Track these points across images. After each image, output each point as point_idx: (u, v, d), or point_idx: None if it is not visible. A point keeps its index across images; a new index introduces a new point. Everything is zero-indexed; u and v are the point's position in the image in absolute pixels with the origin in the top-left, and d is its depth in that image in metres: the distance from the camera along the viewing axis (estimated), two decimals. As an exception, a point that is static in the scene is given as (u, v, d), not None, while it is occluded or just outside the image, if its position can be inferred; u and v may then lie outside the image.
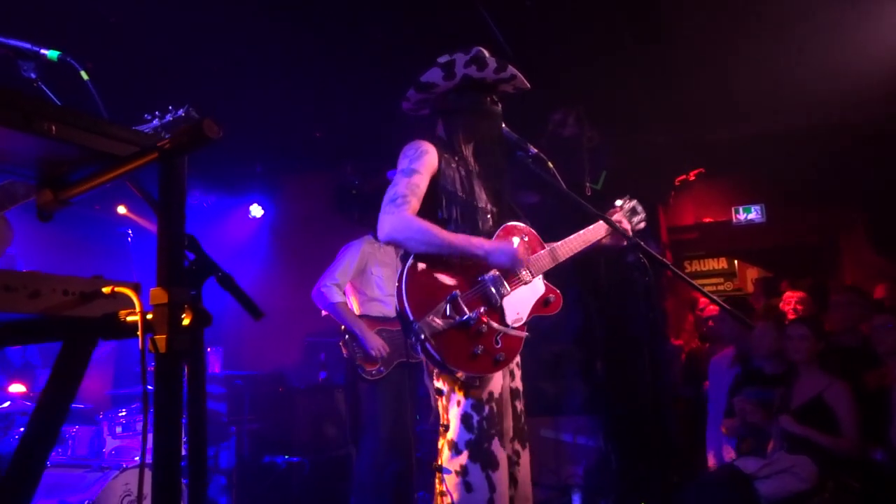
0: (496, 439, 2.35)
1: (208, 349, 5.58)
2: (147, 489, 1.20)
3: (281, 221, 6.91)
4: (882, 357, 3.82)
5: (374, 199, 4.53)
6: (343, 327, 4.13)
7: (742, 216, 6.89)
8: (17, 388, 4.01)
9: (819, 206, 6.65)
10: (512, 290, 2.45)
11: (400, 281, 2.30)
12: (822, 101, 5.22)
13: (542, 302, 2.55)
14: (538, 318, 2.53)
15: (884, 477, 3.55)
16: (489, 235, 2.51)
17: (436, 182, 2.46)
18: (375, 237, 4.30)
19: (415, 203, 2.37)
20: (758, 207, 6.85)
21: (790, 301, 5.34)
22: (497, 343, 2.36)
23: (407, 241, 2.33)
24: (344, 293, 4.24)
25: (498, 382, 2.43)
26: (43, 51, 1.63)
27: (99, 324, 1.32)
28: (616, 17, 4.47)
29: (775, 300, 5.74)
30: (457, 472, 2.30)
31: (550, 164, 2.64)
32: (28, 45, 1.65)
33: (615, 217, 2.81)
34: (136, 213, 5.74)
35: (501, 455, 2.35)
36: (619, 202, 2.94)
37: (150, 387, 1.25)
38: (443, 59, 2.54)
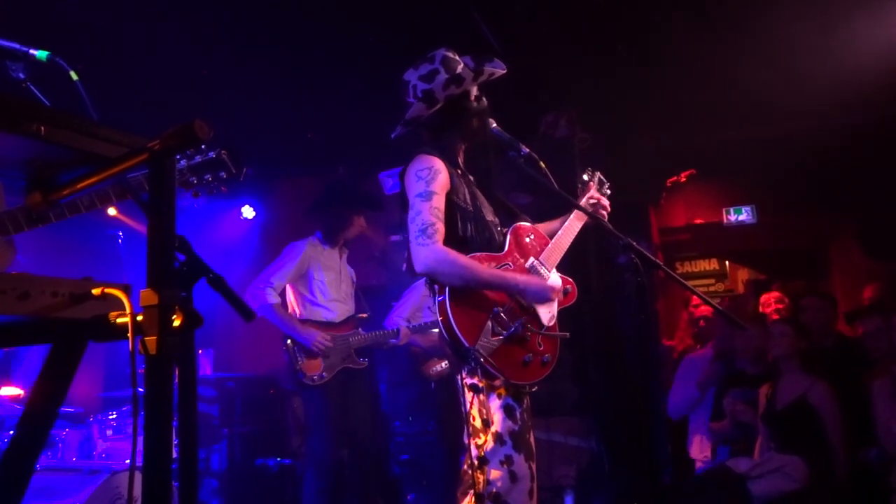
0: (531, 431, 2.45)
1: (199, 351, 5.56)
2: (137, 492, 1.19)
3: (272, 223, 6.88)
4: (876, 360, 3.84)
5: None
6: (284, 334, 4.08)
7: (733, 217, 6.91)
8: (8, 391, 3.98)
9: (809, 207, 6.68)
10: None
11: (444, 313, 2.35)
12: (812, 103, 5.24)
13: (562, 293, 2.64)
14: (561, 309, 2.62)
15: (873, 476, 3.57)
16: (500, 246, 2.57)
17: (450, 200, 2.49)
18: (321, 240, 4.33)
19: (442, 229, 2.42)
20: (748, 208, 6.87)
21: (770, 302, 5.40)
22: (540, 346, 2.47)
23: (444, 276, 2.38)
24: (279, 296, 4.19)
25: None
26: (32, 51, 1.62)
27: (89, 325, 1.31)
28: (609, 21, 4.48)
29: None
30: (502, 462, 2.35)
31: (542, 164, 2.67)
32: (17, 46, 1.64)
33: (591, 194, 2.93)
34: (126, 214, 5.71)
35: (534, 446, 2.45)
36: (585, 177, 3.00)
37: (140, 389, 1.25)
38: (420, 87, 2.56)
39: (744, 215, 6.87)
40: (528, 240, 2.66)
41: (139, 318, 1.20)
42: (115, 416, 4.02)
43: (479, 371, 2.37)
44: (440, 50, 2.61)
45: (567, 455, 4.87)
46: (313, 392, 4.03)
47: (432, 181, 2.45)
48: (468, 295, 2.39)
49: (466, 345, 2.31)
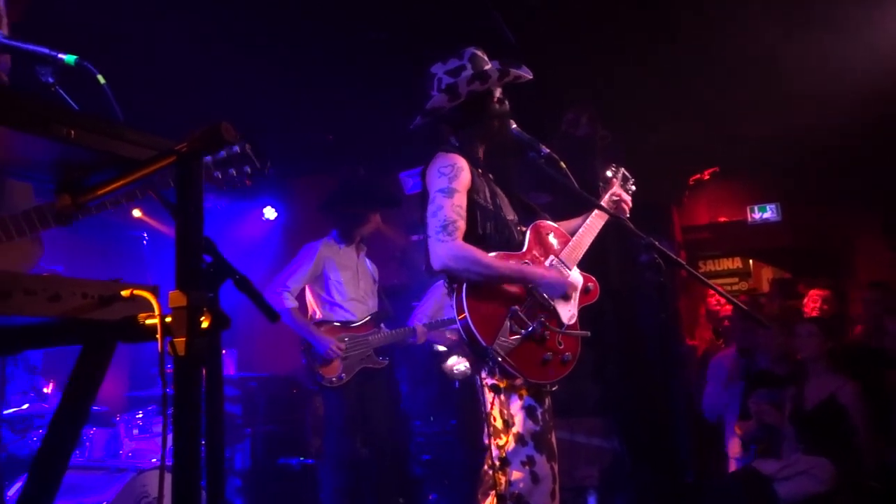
0: (553, 431, 2.44)
1: (223, 351, 5.59)
2: (166, 490, 1.20)
3: (294, 224, 6.93)
4: None
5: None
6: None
7: (757, 215, 6.83)
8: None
9: (835, 204, 6.58)
10: None
11: (462, 311, 2.36)
12: (837, 99, 5.16)
13: (583, 291, 2.63)
14: (582, 308, 2.61)
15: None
16: (519, 245, 2.57)
17: (471, 198, 2.50)
18: (336, 239, 4.34)
19: (463, 226, 2.43)
20: (773, 206, 6.78)
21: (816, 299, 5.30)
22: (560, 344, 2.46)
23: (463, 273, 2.39)
24: (296, 298, 4.20)
25: None
26: (60, 55, 1.64)
27: (118, 327, 1.32)
28: (628, 15, 4.45)
29: (792, 302, 5.70)
30: (523, 463, 2.35)
31: (563, 164, 2.65)
32: (46, 50, 1.66)
33: (614, 190, 2.91)
34: (151, 216, 5.77)
35: (555, 447, 2.44)
36: (609, 173, 2.98)
37: (168, 389, 1.26)
38: (444, 81, 2.57)
39: (768, 213, 6.78)
40: (548, 238, 2.66)
41: (168, 319, 1.21)
42: (141, 416, 4.07)
43: (497, 370, 2.36)
44: (470, 48, 2.62)
45: (590, 456, 4.84)
46: (332, 393, 4.04)
47: (455, 178, 2.45)
48: (486, 293, 2.39)
49: (484, 344, 2.31)
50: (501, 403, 2.40)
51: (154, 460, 3.62)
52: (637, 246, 2.63)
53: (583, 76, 5.00)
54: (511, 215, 2.64)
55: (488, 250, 2.45)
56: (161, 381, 1.24)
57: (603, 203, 2.83)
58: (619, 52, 4.77)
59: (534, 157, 2.65)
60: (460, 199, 2.44)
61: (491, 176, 2.68)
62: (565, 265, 2.59)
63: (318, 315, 4.26)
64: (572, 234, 2.72)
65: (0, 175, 1.72)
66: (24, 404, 3.73)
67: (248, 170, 2.07)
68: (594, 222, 2.74)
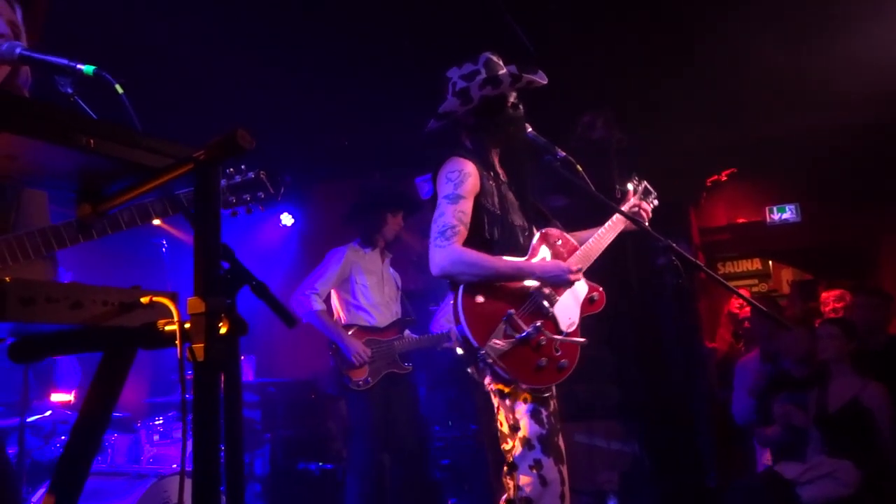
0: (560, 434, 2.42)
1: (241, 357, 5.62)
2: (186, 496, 1.21)
3: (310, 229, 6.96)
4: None
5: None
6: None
7: (776, 216, 6.75)
8: (59, 397, 4.09)
9: (857, 204, 6.48)
10: (560, 297, 2.51)
11: (457, 312, 2.35)
12: (854, 98, 5.11)
13: (588, 301, 2.62)
14: (586, 318, 2.60)
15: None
16: (524, 250, 2.56)
17: (478, 203, 2.50)
18: (361, 244, 4.37)
19: (464, 231, 2.42)
20: (792, 207, 6.71)
21: (829, 301, 5.24)
22: (557, 351, 2.44)
23: (460, 275, 2.38)
24: (324, 301, 4.24)
25: None
26: (79, 66, 1.66)
27: (138, 333, 1.34)
28: (646, 17, 4.43)
29: (813, 304, 5.64)
30: (531, 467, 2.34)
31: (579, 167, 2.65)
32: (65, 61, 1.68)
33: (633, 202, 2.90)
34: (170, 223, 5.81)
35: (563, 449, 2.42)
36: (630, 186, 2.97)
37: (187, 395, 1.27)
38: (459, 85, 2.58)
39: (787, 214, 6.71)
40: (556, 245, 2.64)
41: (187, 325, 1.22)
42: (161, 422, 4.10)
43: (488, 372, 2.36)
44: (485, 52, 2.64)
45: (610, 459, 4.81)
46: (357, 396, 4.06)
47: (461, 184, 2.46)
48: (483, 297, 2.38)
49: (475, 344, 2.31)
50: (507, 408, 2.40)
51: (175, 466, 3.65)
52: (655, 249, 2.62)
53: (600, 78, 4.98)
54: (519, 220, 2.63)
55: (494, 254, 2.45)
56: (181, 387, 1.25)
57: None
58: (637, 54, 4.75)
59: (550, 161, 2.65)
60: (464, 205, 2.44)
61: (504, 180, 2.67)
62: None
63: (344, 319, 4.30)
64: (582, 244, 2.70)
65: (20, 184, 1.74)
66: (46, 411, 3.77)
67: (262, 195, 2.10)
68: (606, 234, 2.73)
